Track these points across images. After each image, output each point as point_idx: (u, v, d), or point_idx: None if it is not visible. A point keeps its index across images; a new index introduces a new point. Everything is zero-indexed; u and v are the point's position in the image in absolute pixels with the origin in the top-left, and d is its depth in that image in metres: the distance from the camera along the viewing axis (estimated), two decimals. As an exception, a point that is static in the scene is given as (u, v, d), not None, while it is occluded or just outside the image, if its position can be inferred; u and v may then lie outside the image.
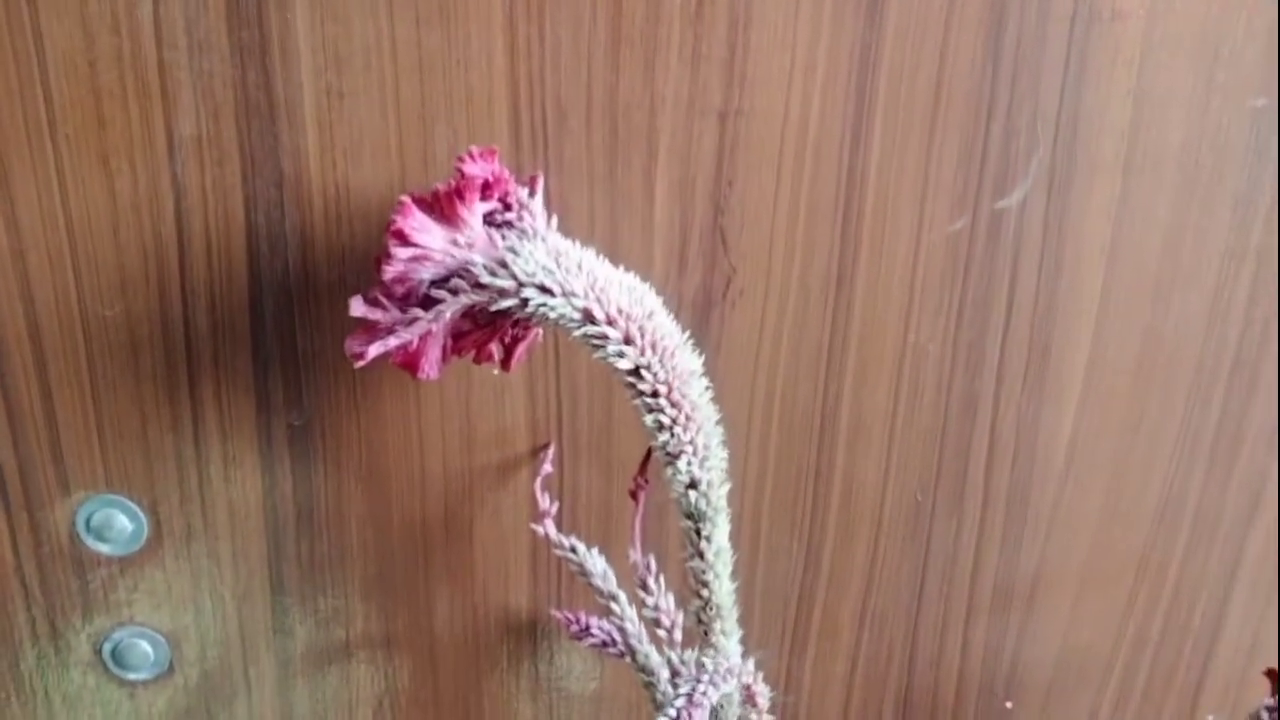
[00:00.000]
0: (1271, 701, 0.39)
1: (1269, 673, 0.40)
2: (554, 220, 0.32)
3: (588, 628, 0.39)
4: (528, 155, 0.35)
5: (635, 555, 0.34)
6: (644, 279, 0.32)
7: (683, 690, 0.28)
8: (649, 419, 0.30)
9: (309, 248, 0.36)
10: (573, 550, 0.37)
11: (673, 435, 0.30)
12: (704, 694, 0.28)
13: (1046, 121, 0.37)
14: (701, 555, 0.32)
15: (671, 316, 0.32)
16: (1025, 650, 0.45)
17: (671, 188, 0.36)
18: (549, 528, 0.37)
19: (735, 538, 0.41)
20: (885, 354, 0.39)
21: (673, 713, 0.27)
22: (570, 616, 0.39)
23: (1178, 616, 0.45)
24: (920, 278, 0.38)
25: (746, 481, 0.40)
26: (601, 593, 0.36)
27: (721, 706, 0.35)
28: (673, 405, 0.30)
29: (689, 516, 0.32)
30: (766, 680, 0.44)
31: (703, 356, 0.38)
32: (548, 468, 0.38)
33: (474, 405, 0.38)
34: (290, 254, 0.35)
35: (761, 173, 0.36)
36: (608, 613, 0.36)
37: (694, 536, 0.32)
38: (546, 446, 0.39)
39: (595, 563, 0.37)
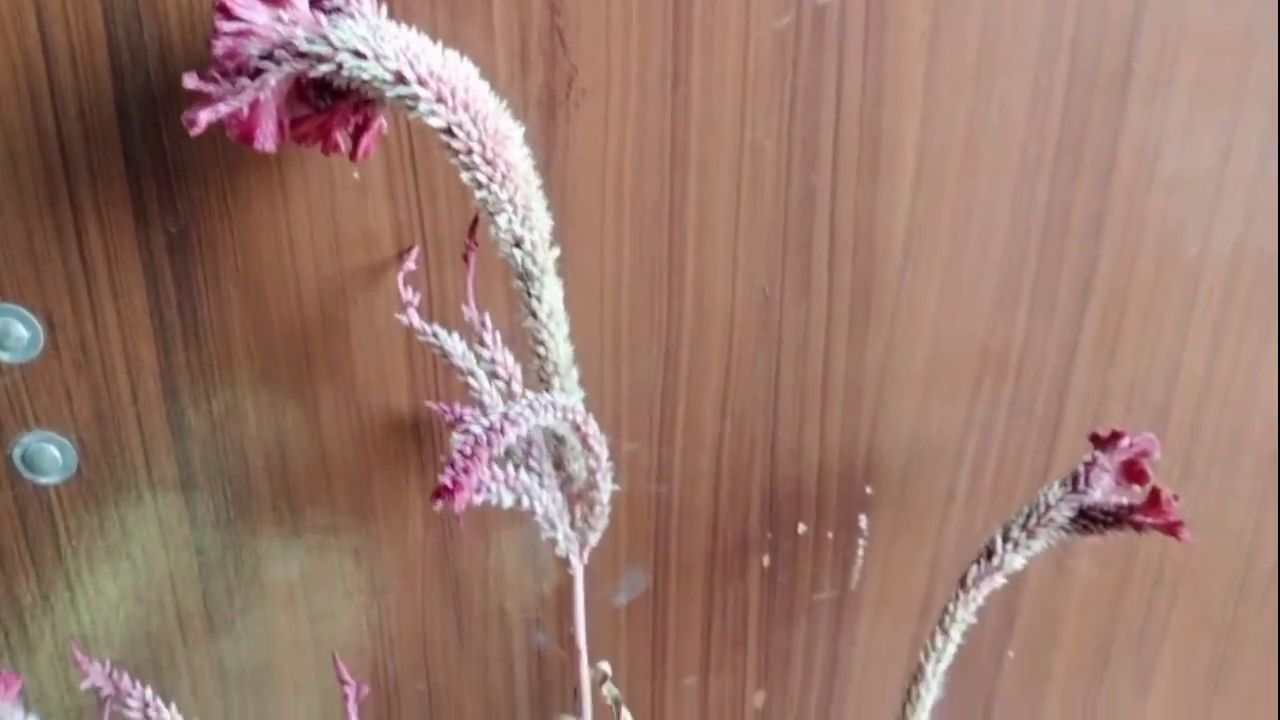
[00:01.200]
0: (1089, 457, 0.43)
1: (1093, 437, 0.43)
2: (383, 9, 0.35)
3: (461, 417, 0.42)
4: (369, -39, 0.37)
5: (470, 313, 0.37)
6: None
7: (501, 409, 0.31)
8: (466, 177, 0.33)
9: (168, 55, 0.38)
10: (435, 336, 0.40)
11: (490, 193, 0.33)
12: (520, 414, 0.31)
13: (861, -84, 0.39)
14: (535, 315, 0.35)
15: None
16: (880, 438, 0.48)
17: (508, -10, 0.39)
18: (412, 317, 0.40)
19: (598, 335, 0.45)
20: (724, 150, 0.42)
21: (485, 423, 0.30)
22: (444, 407, 0.43)
23: (1021, 402, 0.48)
24: (751, 74, 0.41)
25: (604, 279, 0.43)
26: (461, 371, 0.39)
27: (570, 461, 0.39)
28: (488, 163, 0.32)
29: (519, 277, 0.35)
30: (639, 473, 0.48)
31: (551, 155, 0.41)
32: (411, 265, 0.41)
33: (338, 208, 0.41)
34: (151, 63, 0.38)
35: (593, -27, 0.39)
36: (467, 389, 0.39)
37: (526, 297, 0.35)
38: (410, 249, 0.42)
39: (455, 345, 0.40)
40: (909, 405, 0.48)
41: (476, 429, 0.30)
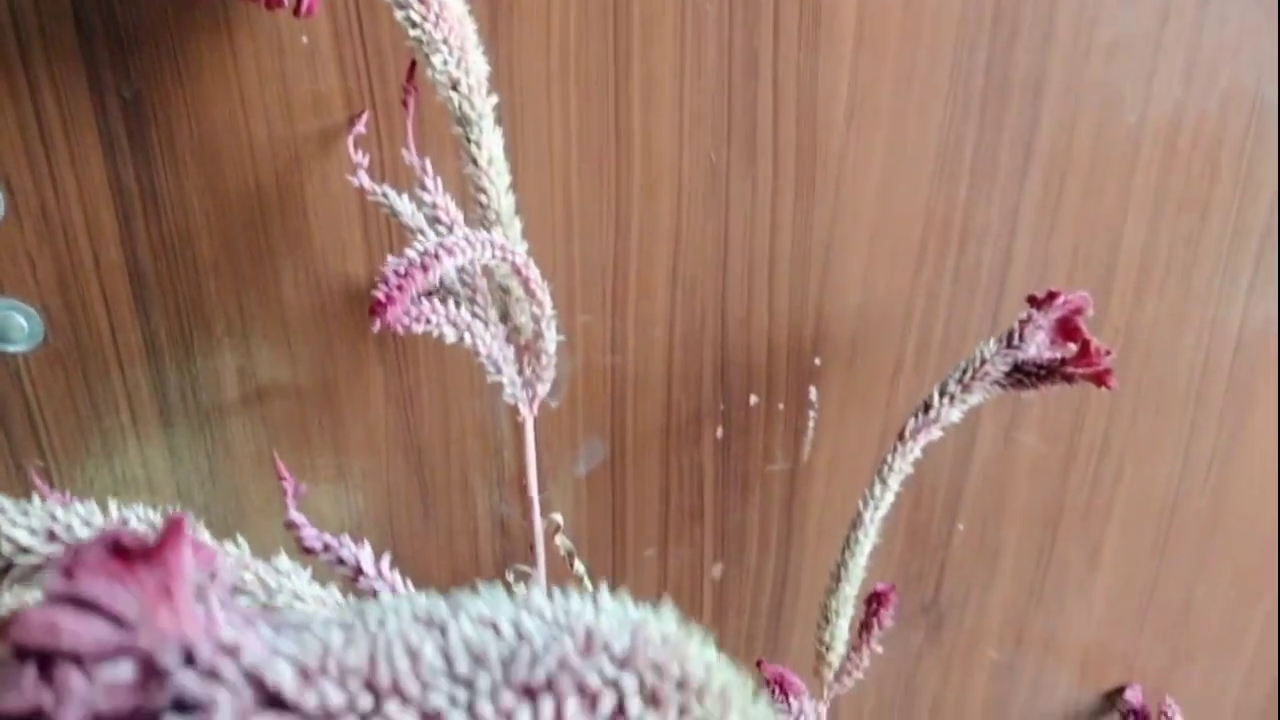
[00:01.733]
0: (1024, 315, 0.44)
1: (1030, 298, 0.44)
2: None
3: (414, 281, 0.43)
4: None
5: (410, 157, 0.39)
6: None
7: (439, 239, 0.32)
8: (400, 16, 0.33)
9: (113, -84, 0.39)
10: (384, 196, 0.41)
11: (424, 32, 0.34)
12: (456, 244, 0.32)
13: None
14: (475, 162, 0.36)
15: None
16: (827, 307, 0.49)
17: None
18: (362, 178, 0.41)
19: (550, 205, 0.46)
20: (667, 13, 0.43)
21: (420, 248, 0.32)
22: (398, 273, 0.44)
23: (966, 268, 0.49)
24: (692, -65, 0.41)
25: (553, 147, 0.44)
26: (411, 230, 0.41)
27: (518, 314, 0.40)
28: (421, 2, 0.33)
29: (458, 122, 0.36)
30: (593, 345, 0.49)
31: (496, 20, 0.42)
32: (360, 129, 0.42)
33: (289, 73, 0.42)
34: (97, -76, 0.39)
35: None
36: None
37: (465, 143, 0.36)
38: (360, 114, 0.43)
39: (405, 206, 0.41)
40: (855, 274, 0.49)
41: (412, 253, 0.31)
